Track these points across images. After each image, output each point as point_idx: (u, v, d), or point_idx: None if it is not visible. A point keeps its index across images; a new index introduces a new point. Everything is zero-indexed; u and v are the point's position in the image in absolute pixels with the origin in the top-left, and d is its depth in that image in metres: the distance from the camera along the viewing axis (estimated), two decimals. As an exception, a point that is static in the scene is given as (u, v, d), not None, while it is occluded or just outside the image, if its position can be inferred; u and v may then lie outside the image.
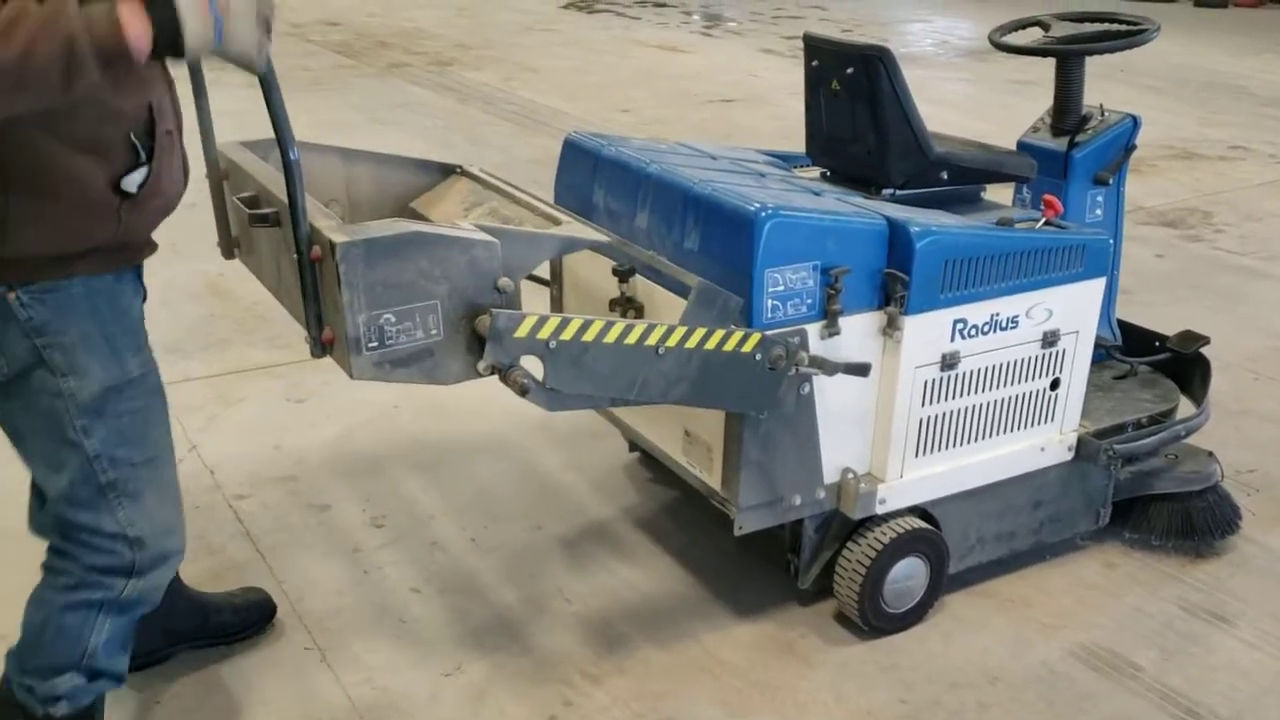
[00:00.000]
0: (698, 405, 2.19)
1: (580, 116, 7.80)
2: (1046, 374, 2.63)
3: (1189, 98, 9.04)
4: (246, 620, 2.47)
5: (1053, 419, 2.69)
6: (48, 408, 1.81)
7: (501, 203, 2.39)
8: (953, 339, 2.45)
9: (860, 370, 2.32)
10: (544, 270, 2.70)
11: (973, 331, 2.47)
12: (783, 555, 2.63)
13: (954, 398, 2.51)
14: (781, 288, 2.24)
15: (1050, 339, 2.58)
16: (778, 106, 8.17)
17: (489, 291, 1.91)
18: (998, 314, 2.49)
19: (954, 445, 2.56)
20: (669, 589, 2.70)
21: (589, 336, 1.97)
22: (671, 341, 2.06)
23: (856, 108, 2.62)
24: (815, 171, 2.89)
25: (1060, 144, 3.00)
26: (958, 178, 2.68)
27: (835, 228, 2.27)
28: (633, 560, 2.79)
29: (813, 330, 2.30)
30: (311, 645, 2.47)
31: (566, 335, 1.95)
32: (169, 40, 1.49)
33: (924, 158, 2.60)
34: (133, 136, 1.76)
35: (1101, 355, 3.08)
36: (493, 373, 1.92)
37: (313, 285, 1.85)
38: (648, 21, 12.46)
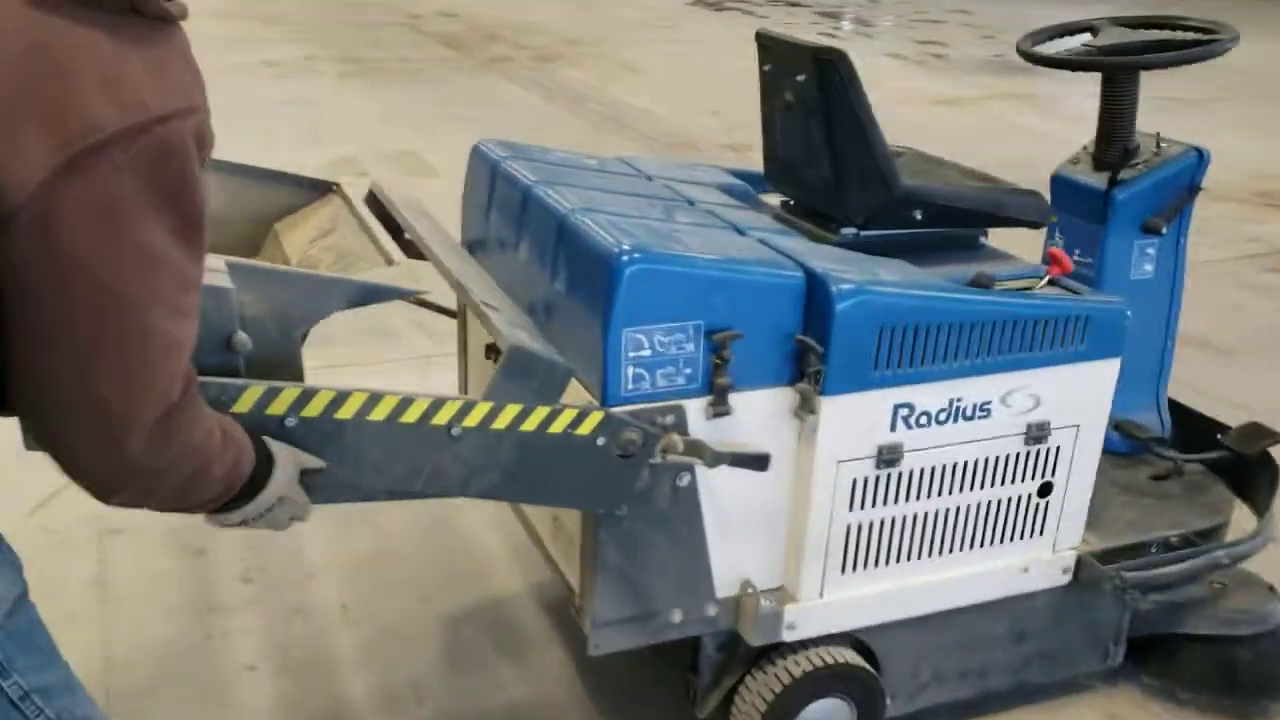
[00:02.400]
0: (515, 499, 1.72)
1: (666, 119, 7.36)
2: (1032, 477, 2.05)
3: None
4: None
5: (1041, 532, 2.11)
6: None
7: (350, 233, 1.97)
8: (893, 428, 1.90)
9: (755, 463, 1.80)
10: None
11: (922, 420, 1.92)
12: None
13: (896, 502, 1.96)
14: (647, 352, 1.75)
15: (1037, 433, 2.01)
16: (890, 113, 7.52)
17: (216, 350, 1.48)
18: (959, 399, 1.93)
19: (897, 561, 2.01)
20: (544, 699, 2.23)
21: (345, 413, 1.52)
22: (471, 421, 1.59)
23: (810, 124, 2.10)
24: (776, 200, 2.38)
25: (1100, 180, 2.40)
26: (937, 218, 2.13)
27: (725, 280, 1.76)
28: (518, 655, 2.33)
29: (694, 407, 1.80)
30: (101, 728, 2.09)
31: (311, 410, 1.50)
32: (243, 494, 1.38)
33: (886, 191, 2.06)
34: None
35: (1139, 448, 2.47)
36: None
37: None
38: (775, 20, 11.88)
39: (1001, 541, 2.08)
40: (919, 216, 2.10)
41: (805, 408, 1.84)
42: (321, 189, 2.16)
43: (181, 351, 1.18)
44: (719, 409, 1.80)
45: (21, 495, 2.64)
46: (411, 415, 1.56)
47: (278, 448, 1.44)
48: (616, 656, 2.28)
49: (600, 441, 1.68)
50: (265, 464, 1.41)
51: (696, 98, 7.96)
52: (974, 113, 7.79)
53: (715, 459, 1.77)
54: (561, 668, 2.31)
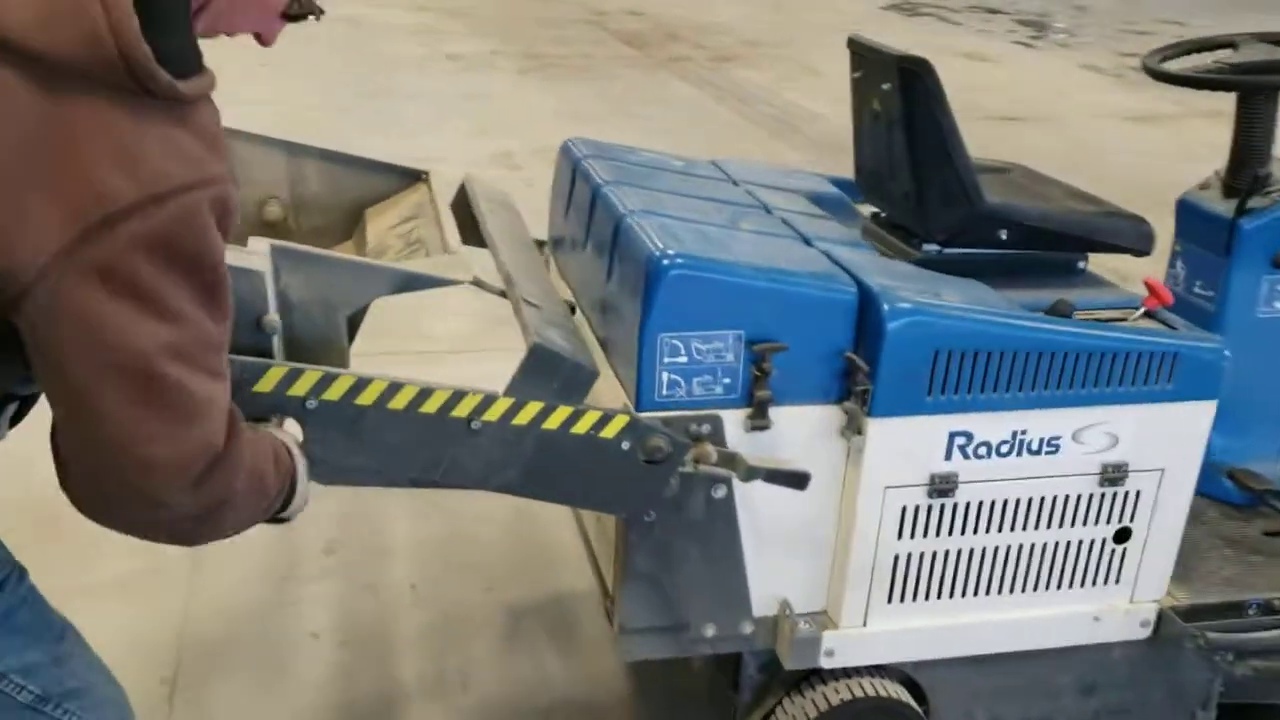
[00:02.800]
0: (538, 497, 1.71)
1: (836, 123, 7.22)
2: (1107, 520, 1.91)
3: None
4: None
5: (1117, 581, 1.97)
6: None
7: (426, 223, 2.01)
8: (948, 456, 1.81)
9: (793, 481, 1.74)
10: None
11: (981, 450, 1.82)
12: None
13: (950, 534, 1.86)
14: (684, 359, 1.71)
15: (1113, 474, 1.87)
16: (1075, 129, 7.22)
17: (247, 330, 1.53)
18: (1023, 432, 1.82)
19: (950, 596, 1.91)
20: (588, 700, 2.22)
21: (366, 399, 1.55)
22: (491, 416, 1.59)
23: (894, 134, 2.02)
24: (868, 211, 2.30)
25: (1228, 208, 2.22)
26: (1025, 240, 2.01)
27: (769, 290, 1.70)
28: (571, 653, 2.33)
29: (732, 419, 1.75)
30: (169, 676, 2.21)
31: (332, 394, 1.53)
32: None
33: (969, 207, 1.96)
34: None
35: (1254, 500, 2.28)
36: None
37: None
38: (969, 28, 11.52)
39: (1070, 586, 1.95)
40: (1004, 237, 1.99)
41: (851, 428, 1.77)
42: (412, 177, 2.21)
43: (212, 409, 1.18)
44: (758, 422, 1.75)
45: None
46: (431, 406, 1.57)
47: (283, 435, 1.46)
48: (669, 666, 2.27)
49: (625, 446, 1.66)
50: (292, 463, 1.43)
51: (870, 104, 7.79)
52: (1169, 130, 7.35)
53: (750, 473, 1.72)
54: (612, 671, 2.30)
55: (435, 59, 8.40)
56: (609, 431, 1.65)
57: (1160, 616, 1.99)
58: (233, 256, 1.50)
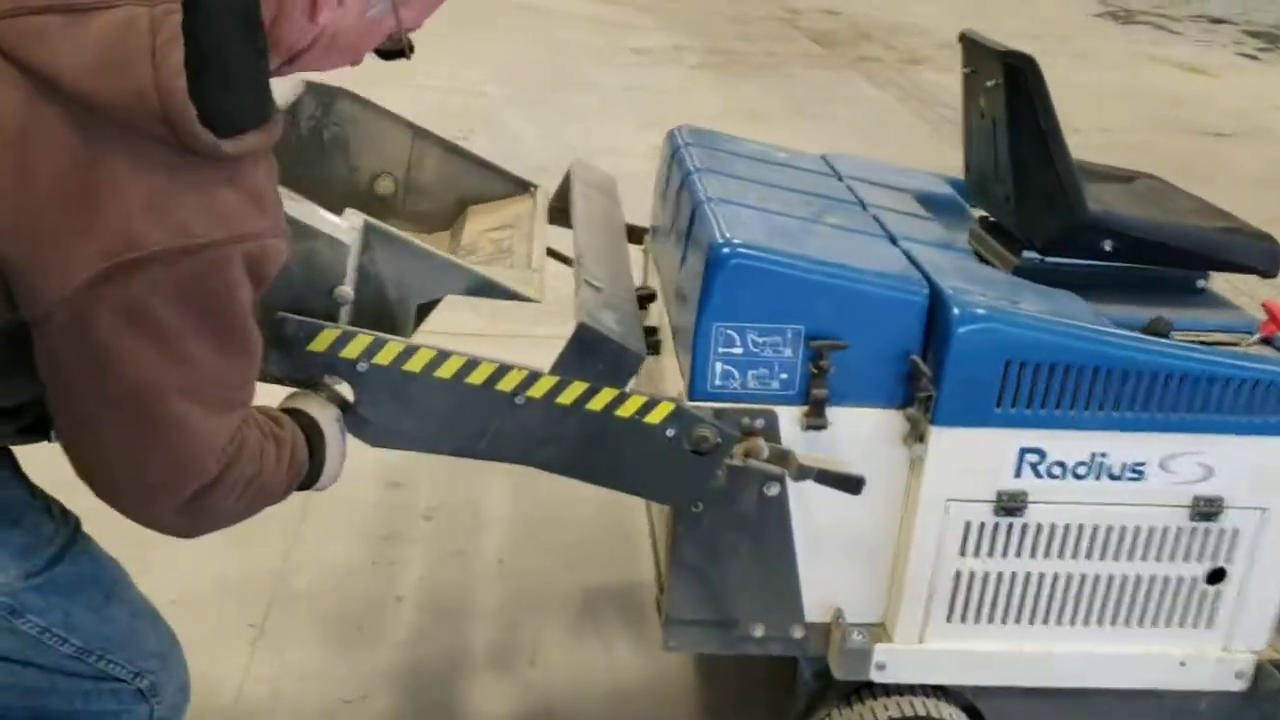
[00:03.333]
0: (582, 478, 1.71)
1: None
2: (1198, 558, 1.78)
3: None
4: None
5: (1209, 625, 1.82)
6: None
7: (521, 235, 2.03)
8: (1018, 473, 1.71)
9: (847, 484, 1.68)
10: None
11: (1055, 470, 1.71)
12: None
13: (1018, 555, 1.77)
14: (739, 350, 1.68)
15: (1206, 509, 1.74)
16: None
17: (320, 295, 1.58)
18: (1103, 454, 1.71)
19: (1017, 621, 1.81)
20: (648, 687, 2.21)
21: (414, 365, 1.58)
22: (535, 392, 1.60)
23: (997, 134, 1.93)
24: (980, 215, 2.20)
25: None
26: (1132, 252, 1.88)
27: (831, 286, 1.65)
28: (640, 640, 2.33)
29: (788, 415, 1.71)
30: (257, 622, 2.32)
31: (382, 359, 1.57)
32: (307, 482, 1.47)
33: (1069, 215, 1.85)
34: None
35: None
36: (291, 384, 1.60)
37: None
38: (1188, 38, 10.86)
39: (1154, 624, 1.82)
40: (1109, 248, 1.87)
41: (914, 435, 1.70)
42: (521, 187, 2.23)
43: (209, 441, 1.21)
44: (814, 421, 1.70)
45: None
46: (477, 377, 1.59)
47: (316, 407, 1.50)
48: (739, 665, 2.25)
49: (671, 433, 1.64)
50: (317, 440, 1.46)
51: (1092, 114, 7.45)
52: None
53: (801, 473, 1.68)
54: (680, 662, 2.28)
55: (618, 51, 8.50)
56: (654, 417, 1.63)
57: (1259, 670, 1.84)
58: (323, 222, 1.57)
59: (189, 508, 1.24)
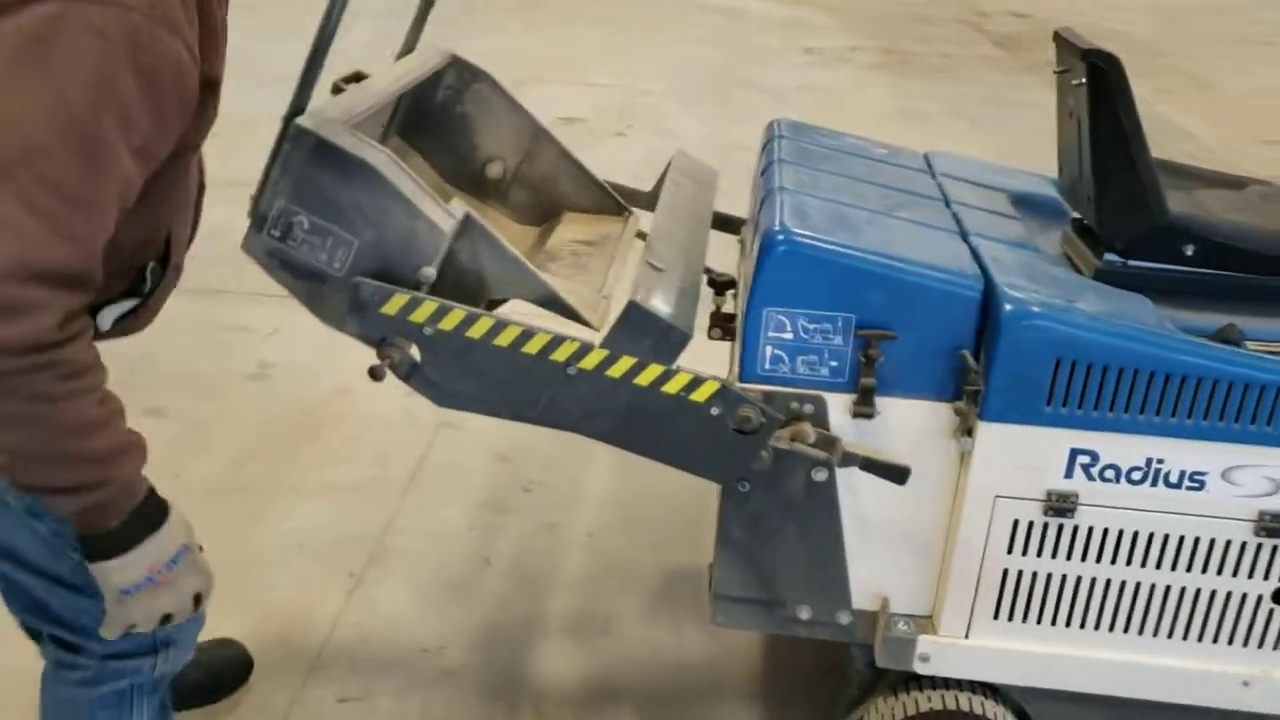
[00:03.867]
0: (630, 450, 1.77)
1: (1207, 143, 6.65)
2: (1264, 576, 1.72)
3: None
4: (217, 680, 2.13)
5: (1276, 647, 1.75)
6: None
7: (603, 254, 2.10)
8: (1068, 474, 1.70)
9: (892, 473, 1.71)
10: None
11: (1108, 473, 1.69)
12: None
13: (1069, 558, 1.75)
14: (789, 335, 1.72)
15: (1272, 524, 1.68)
16: None
17: (408, 270, 1.70)
18: (1160, 461, 1.67)
19: (1067, 625, 1.79)
20: (713, 666, 2.27)
21: (475, 332, 1.68)
22: (587, 364, 1.68)
23: (1082, 134, 1.90)
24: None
25: None
26: (1217, 258, 1.83)
27: (882, 276, 1.67)
28: (717, 629, 2.38)
29: (837, 403, 1.74)
30: (356, 572, 2.49)
31: (446, 325, 1.68)
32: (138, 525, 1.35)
33: (1149, 218, 1.81)
34: (150, 267, 1.51)
35: None
36: (366, 342, 1.73)
37: (274, 150, 1.70)
38: None
39: (1214, 641, 1.76)
40: (1190, 252, 1.82)
41: (962, 429, 1.71)
42: (619, 209, 2.29)
43: (27, 252, 1.15)
44: (862, 409, 1.73)
45: (404, 384, 3.15)
46: (532, 347, 1.69)
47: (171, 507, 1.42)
48: (802, 652, 2.28)
49: (715, 411, 1.69)
50: (159, 505, 1.39)
51: (1264, 125, 7.06)
52: None
53: (846, 459, 1.71)
54: (749, 644, 2.33)
55: (792, 51, 8.50)
56: (699, 395, 1.69)
57: (1329, 699, 1.76)
58: (430, 207, 1.67)
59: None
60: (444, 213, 1.69)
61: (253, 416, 3.08)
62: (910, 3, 11.05)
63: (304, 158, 1.65)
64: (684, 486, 2.67)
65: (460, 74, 2.20)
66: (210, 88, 1.37)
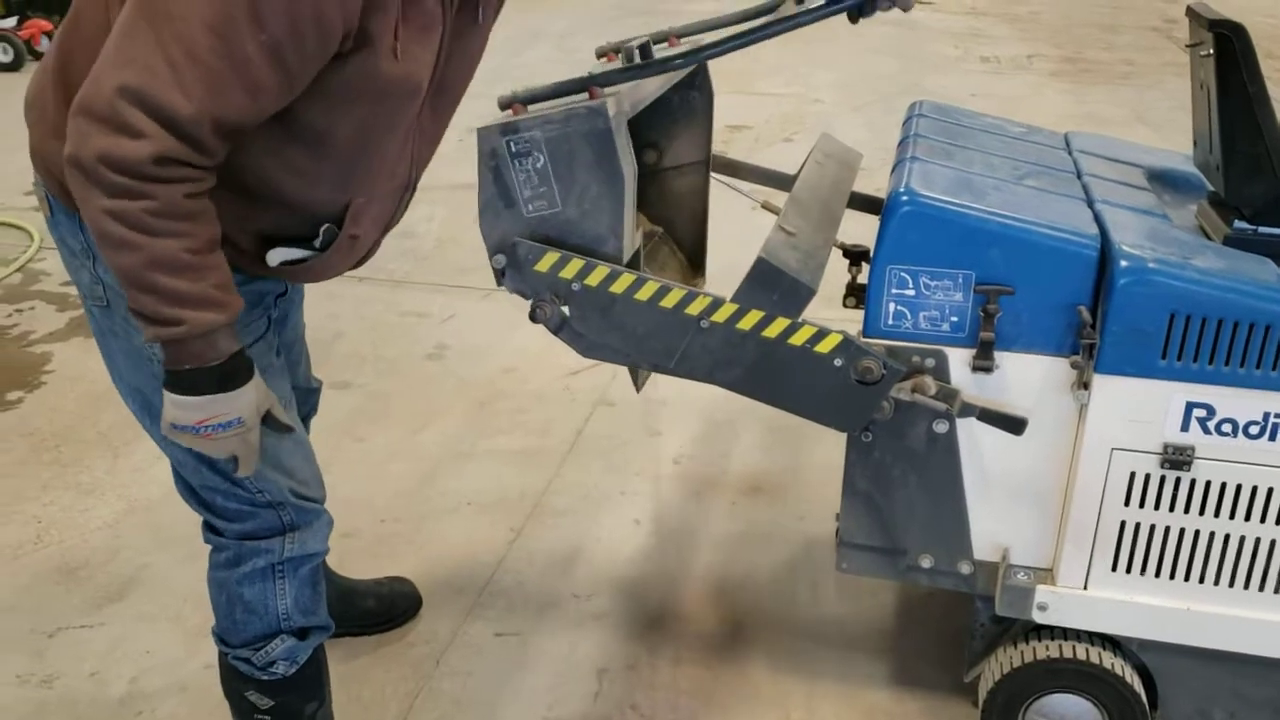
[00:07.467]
0: (759, 399, 1.90)
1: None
2: (1392, 535, 1.72)
3: None
4: (390, 610, 2.39)
5: (1404, 608, 1.75)
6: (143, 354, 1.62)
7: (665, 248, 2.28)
8: (1184, 427, 1.74)
9: (1009, 424, 1.79)
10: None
11: (1225, 427, 1.73)
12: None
13: (1186, 511, 1.79)
14: (911, 292, 1.83)
15: (1397, 482, 1.68)
16: None
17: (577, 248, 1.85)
18: (1279, 416, 1.70)
19: (1186, 578, 1.83)
20: (850, 626, 2.37)
21: (617, 288, 1.85)
22: (719, 317, 1.83)
23: (1210, 104, 1.94)
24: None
25: None
26: (1347, 222, 1.84)
27: (1003, 234, 1.76)
28: (848, 586, 2.49)
29: (957, 357, 1.84)
30: (517, 526, 2.70)
31: (592, 280, 1.85)
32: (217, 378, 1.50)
33: (1276, 184, 1.84)
34: (325, 225, 1.70)
35: None
36: (522, 295, 1.92)
37: (562, 102, 1.83)
38: None
39: (1338, 600, 1.77)
40: (1319, 216, 1.84)
41: (1079, 383, 1.78)
42: (696, 272, 2.35)
43: (177, 106, 1.34)
44: (981, 363, 1.82)
45: (566, 365, 3.38)
46: (669, 301, 1.85)
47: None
48: (932, 616, 2.36)
49: (838, 363, 1.81)
50: (238, 375, 1.52)
51: None
52: None
53: (965, 410, 1.80)
54: (879, 606, 2.42)
55: (968, 60, 8.44)
56: (823, 347, 1.82)
57: None
58: (628, 235, 1.82)
59: (92, 143, 1.34)
60: (631, 242, 1.87)
61: (429, 391, 3.35)
62: (1096, 11, 10.79)
63: (584, 129, 1.78)
64: (833, 467, 2.80)
65: (701, 70, 2.25)
66: (368, 43, 1.47)
